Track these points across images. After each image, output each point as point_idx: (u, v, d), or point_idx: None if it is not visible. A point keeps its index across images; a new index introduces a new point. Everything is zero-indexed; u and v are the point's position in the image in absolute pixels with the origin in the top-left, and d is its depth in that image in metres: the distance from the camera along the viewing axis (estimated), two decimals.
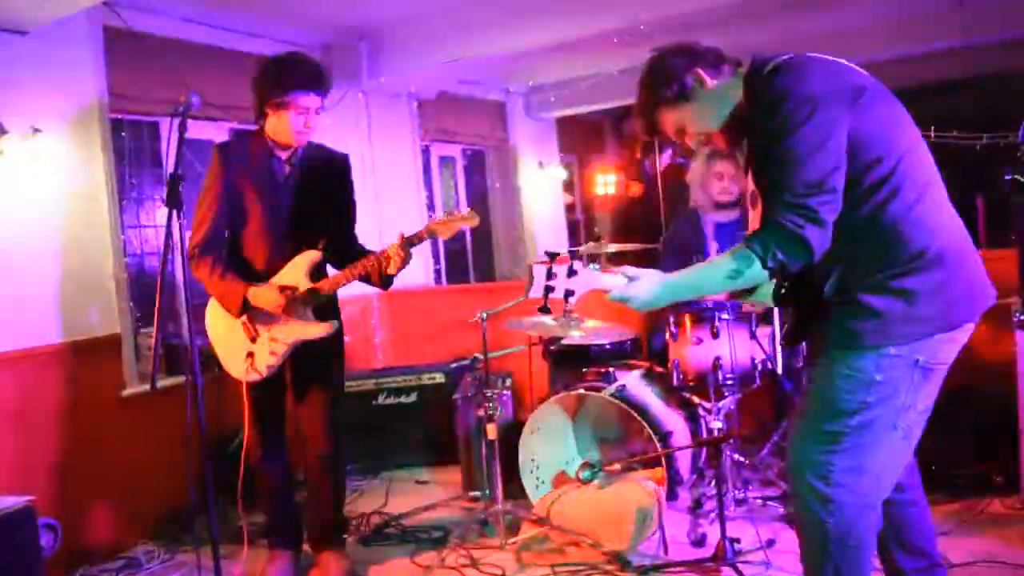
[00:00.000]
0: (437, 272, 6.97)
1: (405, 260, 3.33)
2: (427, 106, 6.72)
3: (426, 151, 6.98)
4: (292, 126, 3.34)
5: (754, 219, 2.28)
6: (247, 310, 3.37)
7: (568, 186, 9.26)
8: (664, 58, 2.34)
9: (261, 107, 3.36)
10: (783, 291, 2.33)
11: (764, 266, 2.06)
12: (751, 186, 2.30)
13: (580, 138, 9.47)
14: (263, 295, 3.34)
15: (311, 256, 3.40)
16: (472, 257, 7.80)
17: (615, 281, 2.18)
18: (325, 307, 3.49)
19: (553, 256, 2.25)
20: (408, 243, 3.31)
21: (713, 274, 2.16)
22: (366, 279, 3.43)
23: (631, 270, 2.19)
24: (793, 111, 2.07)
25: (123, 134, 4.59)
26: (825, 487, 2.18)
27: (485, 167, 8.01)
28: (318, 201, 3.49)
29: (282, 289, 3.33)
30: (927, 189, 2.18)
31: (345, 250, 3.53)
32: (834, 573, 2.23)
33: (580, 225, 9.55)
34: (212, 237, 3.41)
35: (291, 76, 3.29)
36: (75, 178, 4.17)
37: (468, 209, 3.43)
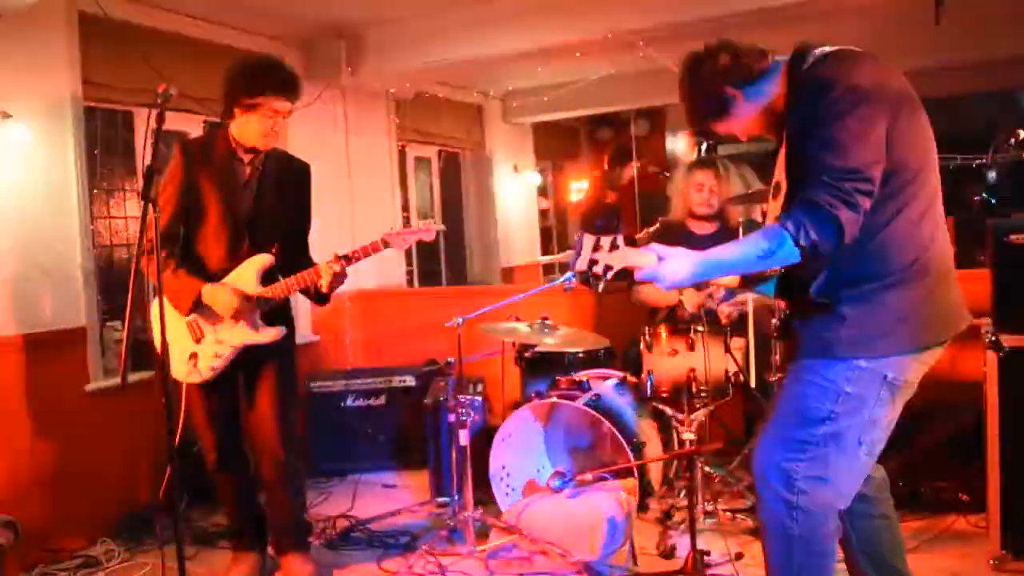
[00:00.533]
0: (409, 274, 6.92)
1: (338, 277, 3.33)
2: (405, 106, 6.68)
3: (402, 151, 6.93)
4: (260, 129, 3.29)
5: (774, 209, 2.29)
6: (196, 309, 3.32)
7: (543, 192, 9.26)
8: (695, 76, 2.34)
9: (230, 106, 3.30)
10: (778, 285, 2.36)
11: (796, 244, 2.04)
12: (776, 177, 2.31)
13: (556, 144, 9.48)
14: (219, 296, 3.30)
15: (263, 260, 3.38)
16: (445, 260, 7.76)
17: (647, 260, 2.17)
18: (276, 311, 3.45)
19: (599, 230, 2.25)
20: (345, 261, 3.31)
21: (746, 253, 2.13)
22: (305, 292, 3.43)
23: (661, 248, 2.18)
24: (840, 98, 2.07)
25: (96, 123, 4.50)
26: (789, 493, 2.21)
27: (460, 170, 7.98)
28: (277, 206, 3.45)
29: (237, 293, 3.30)
30: (932, 206, 2.21)
31: (295, 258, 3.49)
32: None
33: (553, 231, 9.55)
34: (168, 232, 3.35)
35: (265, 79, 3.24)
36: (44, 166, 4.08)
37: (427, 220, 3.44)
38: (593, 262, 2.20)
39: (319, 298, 3.46)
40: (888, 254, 2.14)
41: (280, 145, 5.27)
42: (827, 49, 2.22)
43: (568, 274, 3.81)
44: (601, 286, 2.23)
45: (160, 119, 2.69)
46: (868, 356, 2.16)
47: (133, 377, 4.37)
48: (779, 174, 2.28)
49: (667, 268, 2.16)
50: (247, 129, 3.31)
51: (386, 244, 3.37)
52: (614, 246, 2.20)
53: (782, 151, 2.27)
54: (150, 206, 2.63)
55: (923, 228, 2.17)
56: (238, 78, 3.27)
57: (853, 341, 2.15)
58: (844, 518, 2.32)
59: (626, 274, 2.20)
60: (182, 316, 3.34)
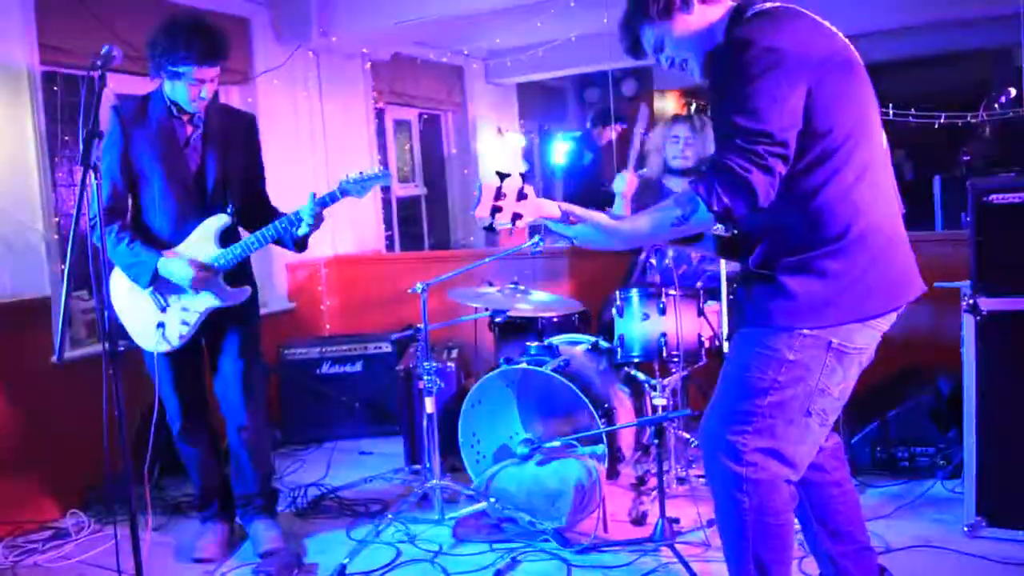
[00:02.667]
0: (389, 238, 6.82)
1: (317, 221, 3.25)
2: (381, 68, 6.53)
3: (380, 114, 6.80)
4: (188, 95, 3.19)
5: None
6: (156, 281, 3.24)
7: (527, 154, 9.13)
8: None
9: (156, 71, 3.20)
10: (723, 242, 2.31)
11: (709, 209, 2.00)
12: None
13: (541, 105, 9.33)
14: (176, 268, 3.22)
15: (220, 220, 3.31)
16: (427, 224, 7.67)
17: (555, 212, 2.15)
18: (238, 272, 3.38)
19: (503, 176, 2.15)
20: (320, 203, 3.24)
21: (660, 220, 2.10)
22: (279, 242, 3.35)
23: (576, 208, 2.14)
24: (755, 59, 1.99)
25: (55, 88, 4.38)
26: (737, 466, 2.15)
27: (442, 132, 7.85)
28: (224, 162, 3.36)
29: (194, 264, 3.23)
30: (867, 172, 2.11)
31: (256, 212, 3.42)
32: (753, 555, 2.20)
33: (539, 192, 9.43)
34: (114, 204, 3.26)
35: (184, 49, 3.10)
36: (2, 134, 3.97)
37: (379, 166, 3.36)
38: (497, 208, 2.13)
39: (297, 244, 3.37)
40: (822, 222, 2.07)
41: (250, 109, 5.22)
42: (762, 6, 2.12)
43: (536, 238, 3.75)
44: (511, 230, 2.17)
45: (101, 82, 2.60)
46: (811, 325, 2.10)
47: (99, 348, 4.30)
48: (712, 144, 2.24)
49: (580, 233, 2.14)
50: (176, 94, 3.21)
51: (344, 192, 3.29)
52: (521, 196, 2.13)
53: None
54: (91, 173, 2.54)
55: (857, 195, 2.09)
56: (160, 45, 3.13)
57: (794, 310, 2.10)
58: (798, 488, 2.26)
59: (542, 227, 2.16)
60: (142, 289, 3.26)
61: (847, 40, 2.17)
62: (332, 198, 3.28)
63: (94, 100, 2.57)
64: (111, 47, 2.61)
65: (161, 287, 3.29)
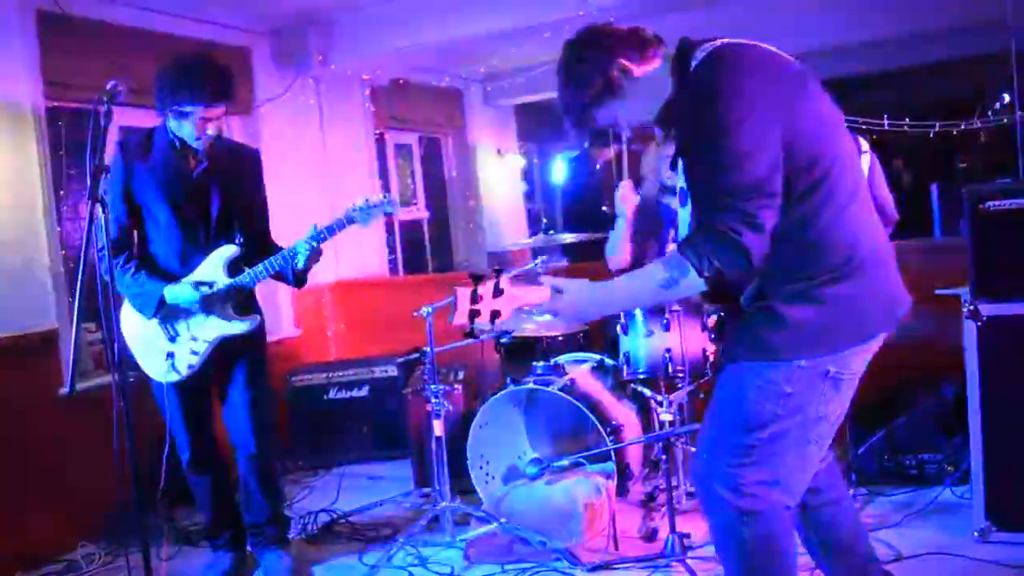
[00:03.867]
0: (393, 262, 6.86)
1: (316, 254, 3.28)
2: (381, 93, 6.59)
3: (381, 139, 6.86)
4: (194, 133, 3.22)
5: (683, 217, 2.16)
6: (162, 310, 3.28)
7: (527, 174, 9.18)
8: (580, 53, 2.15)
9: (162, 111, 3.23)
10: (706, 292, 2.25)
11: (700, 275, 1.94)
12: (679, 182, 2.14)
13: (540, 125, 9.38)
14: (181, 291, 3.26)
15: (228, 251, 3.33)
16: (430, 246, 7.70)
17: (539, 295, 2.06)
18: (245, 303, 3.41)
19: (477, 279, 2.10)
20: (325, 233, 3.27)
21: (646, 284, 2.04)
22: (279, 277, 3.38)
23: (559, 281, 2.07)
24: (729, 109, 1.93)
25: (60, 123, 4.44)
26: (738, 499, 2.10)
27: (442, 155, 7.90)
28: (229, 197, 3.39)
29: (198, 285, 3.26)
30: (855, 194, 2.09)
31: (258, 246, 3.45)
32: None
33: (540, 213, 9.48)
34: (119, 236, 3.30)
35: (190, 89, 3.13)
36: (8, 168, 4.03)
37: (383, 194, 3.36)
38: (475, 312, 2.07)
39: (296, 280, 3.40)
40: (822, 250, 2.03)
41: (252, 138, 5.28)
42: (711, 46, 2.05)
43: (541, 258, 3.78)
44: (495, 333, 2.12)
45: (107, 116, 2.64)
46: (808, 356, 2.05)
47: (109, 379, 4.33)
48: (682, 180, 2.13)
49: (563, 304, 2.05)
50: (182, 132, 3.25)
51: (350, 221, 3.31)
52: (497, 291, 2.06)
53: (679, 155, 2.14)
54: (98, 206, 2.58)
55: (851, 217, 2.06)
56: (167, 85, 3.17)
57: (793, 342, 2.05)
58: (797, 511, 2.24)
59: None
60: (147, 319, 3.29)
61: (790, 57, 2.12)
62: (339, 225, 3.30)
63: (100, 134, 2.61)
64: (116, 82, 2.65)
65: (171, 318, 3.32)
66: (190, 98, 3.13)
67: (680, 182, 2.13)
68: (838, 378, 2.09)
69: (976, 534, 3.23)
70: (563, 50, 2.19)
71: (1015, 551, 3.12)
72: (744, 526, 2.11)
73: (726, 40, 2.07)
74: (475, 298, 2.07)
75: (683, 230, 2.13)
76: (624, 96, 2.12)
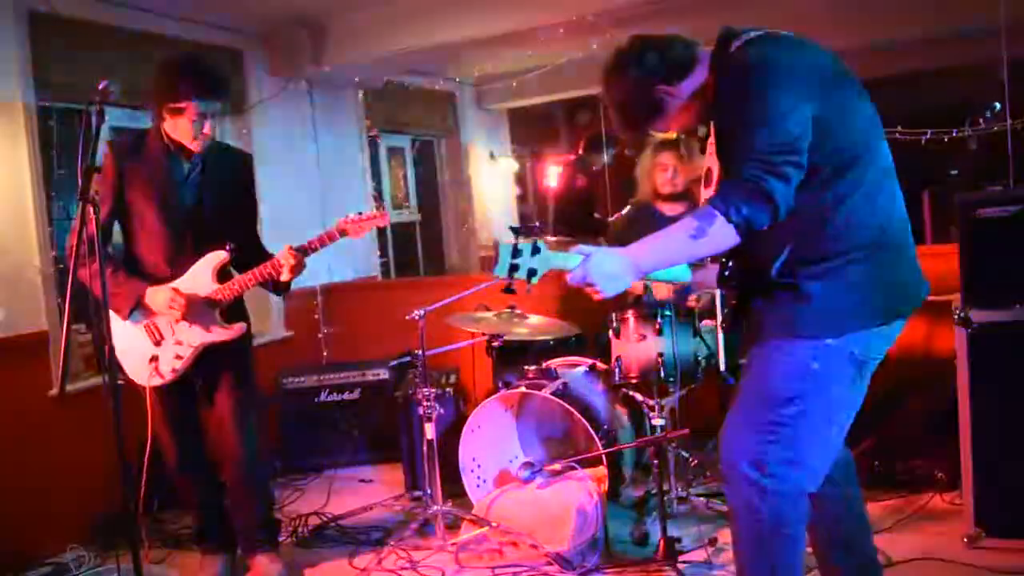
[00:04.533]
0: (384, 265, 6.85)
1: (297, 267, 3.28)
2: (374, 95, 6.59)
3: (374, 141, 6.85)
4: (189, 132, 3.22)
5: (706, 196, 2.21)
6: (137, 311, 3.27)
7: (520, 178, 9.18)
8: (621, 82, 2.24)
9: (157, 109, 3.23)
10: (726, 272, 2.29)
11: (728, 220, 1.98)
12: (706, 163, 2.24)
13: (532, 129, 9.40)
14: (157, 298, 3.25)
15: (217, 257, 3.32)
16: (422, 249, 7.70)
17: (572, 261, 2.08)
18: (233, 309, 3.40)
19: (518, 232, 2.13)
20: (301, 251, 3.27)
21: (677, 236, 2.05)
22: (264, 285, 3.37)
23: (586, 248, 2.09)
24: (763, 77, 2.03)
25: (51, 123, 4.41)
26: (760, 476, 2.15)
27: (435, 158, 7.90)
28: (220, 201, 3.39)
29: (173, 291, 3.25)
30: (886, 181, 2.16)
31: (247, 252, 3.44)
32: (769, 566, 2.21)
33: (532, 217, 9.49)
34: (101, 235, 3.28)
35: (188, 84, 3.14)
36: None
37: (378, 206, 3.39)
38: (514, 267, 2.09)
39: (277, 289, 3.42)
40: (848, 232, 2.10)
41: (244, 140, 5.26)
42: (752, 33, 2.16)
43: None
44: (528, 289, 2.15)
45: (99, 117, 2.63)
46: (835, 334, 2.11)
47: (98, 381, 4.31)
48: (709, 160, 2.22)
49: (599, 269, 2.05)
50: (176, 131, 3.24)
51: (343, 233, 3.31)
52: (535, 250, 2.10)
53: (711, 138, 2.22)
54: (89, 207, 2.57)
55: (880, 203, 2.13)
56: (162, 82, 3.18)
57: (819, 319, 2.11)
58: (812, 501, 2.27)
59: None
60: (122, 320, 3.27)
61: (835, 54, 2.20)
62: (331, 238, 3.30)
63: (92, 135, 2.60)
64: (108, 82, 2.64)
65: (157, 320, 3.31)
66: (186, 94, 3.13)
67: (707, 162, 2.22)
68: (861, 360, 2.15)
69: (966, 540, 3.24)
70: (604, 76, 2.28)
71: (1005, 557, 3.13)
72: (763, 504, 2.16)
73: (765, 29, 2.17)
74: (515, 253, 2.09)
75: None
76: (673, 110, 2.23)
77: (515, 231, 2.12)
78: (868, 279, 2.10)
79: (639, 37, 2.25)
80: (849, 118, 2.12)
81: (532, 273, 2.10)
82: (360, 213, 3.36)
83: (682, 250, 2.06)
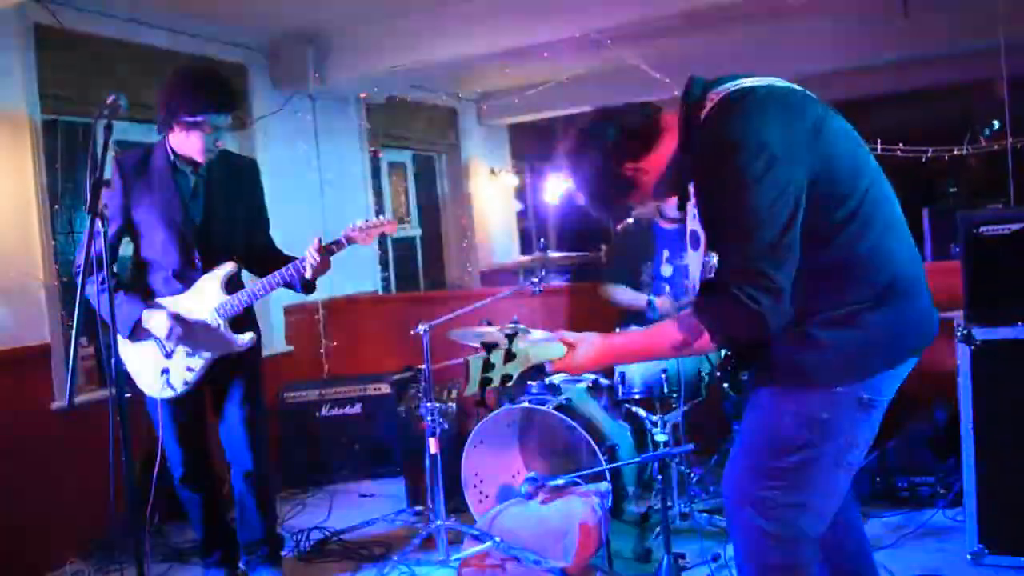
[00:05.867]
0: (386, 280, 6.86)
1: (323, 266, 3.30)
2: (376, 110, 6.62)
3: (375, 156, 6.87)
4: (201, 145, 3.23)
5: (694, 260, 2.10)
6: (137, 333, 3.28)
7: (520, 193, 9.21)
8: (585, 165, 2.13)
9: (168, 122, 3.23)
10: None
11: (713, 338, 1.94)
12: (689, 226, 2.10)
13: (533, 145, 9.43)
14: (154, 321, 3.26)
15: (226, 268, 3.34)
16: (423, 265, 7.71)
17: (553, 352, 2.09)
18: (242, 319, 3.40)
19: (490, 348, 2.10)
20: (326, 251, 3.28)
21: (659, 344, 2.05)
22: (289, 286, 3.38)
23: (570, 336, 2.09)
24: (748, 162, 1.88)
25: (56, 137, 4.43)
26: (766, 523, 2.09)
27: (436, 173, 7.93)
28: (228, 212, 3.40)
29: (171, 317, 3.26)
30: (892, 219, 2.07)
31: (262, 257, 3.46)
32: None
33: (532, 233, 9.50)
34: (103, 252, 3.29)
35: (204, 98, 3.15)
36: (2, 181, 4.01)
37: (385, 216, 3.40)
38: (486, 381, 2.08)
39: (306, 287, 3.41)
40: (863, 277, 2.00)
41: (247, 155, 5.27)
42: (727, 90, 2.00)
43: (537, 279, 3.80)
44: (506, 392, 2.15)
45: (108, 131, 2.63)
46: (846, 383, 2.03)
47: (101, 394, 4.32)
48: (693, 223, 2.07)
49: (577, 359, 2.07)
50: (188, 145, 3.25)
51: (350, 240, 3.32)
52: (510, 356, 2.08)
53: (691, 202, 2.08)
54: (99, 220, 2.58)
55: (890, 241, 2.03)
56: (177, 96, 3.17)
57: (831, 368, 2.02)
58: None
59: (538, 370, 2.14)
60: (123, 340, 3.28)
61: (805, 90, 2.09)
62: (338, 245, 3.31)
63: (101, 148, 2.60)
64: (117, 95, 2.64)
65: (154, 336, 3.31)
66: (204, 108, 3.14)
67: (691, 225, 2.08)
68: (871, 403, 2.07)
69: (969, 557, 3.24)
70: (566, 159, 2.18)
71: (1007, 574, 3.14)
72: (769, 550, 2.10)
73: (738, 84, 2.02)
74: (487, 367, 2.08)
75: (693, 273, 2.09)
76: (645, 184, 2.13)
77: (486, 346, 2.09)
78: (882, 325, 2.01)
79: (598, 112, 2.14)
80: (843, 166, 2.00)
81: (507, 378, 2.09)
82: (367, 220, 3.36)
83: (663, 354, 2.07)
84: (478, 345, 4.01)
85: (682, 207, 2.15)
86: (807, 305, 2.00)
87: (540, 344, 2.12)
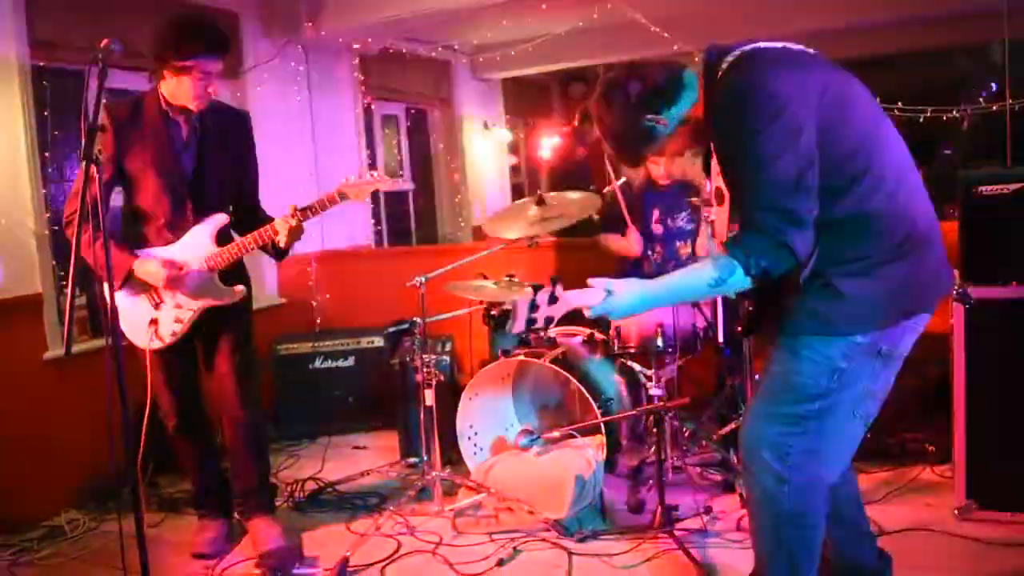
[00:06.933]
0: (378, 233, 6.83)
1: (295, 231, 3.26)
2: (370, 62, 6.54)
3: (368, 109, 6.80)
4: (193, 91, 3.18)
5: (720, 215, 2.23)
6: (130, 281, 3.26)
7: (514, 148, 9.16)
8: (614, 113, 2.21)
9: (160, 68, 3.18)
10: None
11: (747, 273, 2.01)
12: (714, 183, 2.22)
13: (526, 100, 9.36)
14: (150, 268, 3.23)
15: (218, 221, 3.31)
16: (415, 218, 7.68)
17: (593, 298, 2.13)
18: (233, 272, 3.38)
19: (537, 288, 2.15)
20: (303, 215, 3.25)
21: (695, 282, 2.10)
22: (263, 248, 3.36)
23: (609, 283, 2.13)
24: (759, 110, 1.99)
25: (46, 84, 4.35)
26: (782, 467, 2.18)
27: (429, 127, 7.86)
28: (220, 163, 3.37)
29: (167, 264, 3.23)
30: (905, 174, 2.14)
31: (247, 215, 3.43)
32: (787, 554, 2.24)
33: (525, 188, 9.48)
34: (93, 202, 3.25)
35: (194, 41, 3.10)
36: None
37: (378, 172, 3.37)
38: (532, 321, 2.13)
39: (277, 253, 3.40)
40: (879, 232, 2.08)
41: (239, 104, 5.21)
42: (740, 51, 2.12)
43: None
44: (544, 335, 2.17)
45: (103, 75, 2.59)
46: (865, 332, 2.11)
47: (93, 344, 4.30)
48: (718, 180, 2.21)
49: (615, 303, 2.11)
50: (180, 91, 3.20)
51: (343, 196, 3.29)
52: (552, 300, 2.13)
53: (714, 159, 2.19)
54: (93, 166, 2.54)
55: (904, 196, 2.11)
56: (167, 40, 3.12)
57: (852, 317, 2.11)
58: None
59: (574, 315, 2.15)
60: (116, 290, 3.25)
61: (815, 52, 2.18)
62: (331, 201, 3.28)
63: (96, 93, 2.56)
64: (113, 40, 2.59)
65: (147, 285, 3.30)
66: (193, 51, 3.09)
67: (715, 182, 2.20)
68: (889, 355, 2.16)
69: (957, 512, 3.29)
70: (594, 106, 2.26)
71: (994, 529, 3.19)
72: (783, 494, 2.19)
73: (752, 44, 2.14)
74: (533, 307, 2.13)
75: (720, 228, 2.17)
76: (663, 137, 2.21)
77: (534, 288, 2.14)
78: (900, 277, 2.10)
79: (626, 66, 2.22)
80: (852, 123, 2.09)
81: (550, 320, 2.14)
82: (359, 176, 3.35)
83: (698, 295, 2.17)
84: (476, 299, 4.03)
85: (706, 167, 2.28)
86: (828, 257, 2.10)
87: (581, 291, 2.17)
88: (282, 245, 3.30)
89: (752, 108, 2.00)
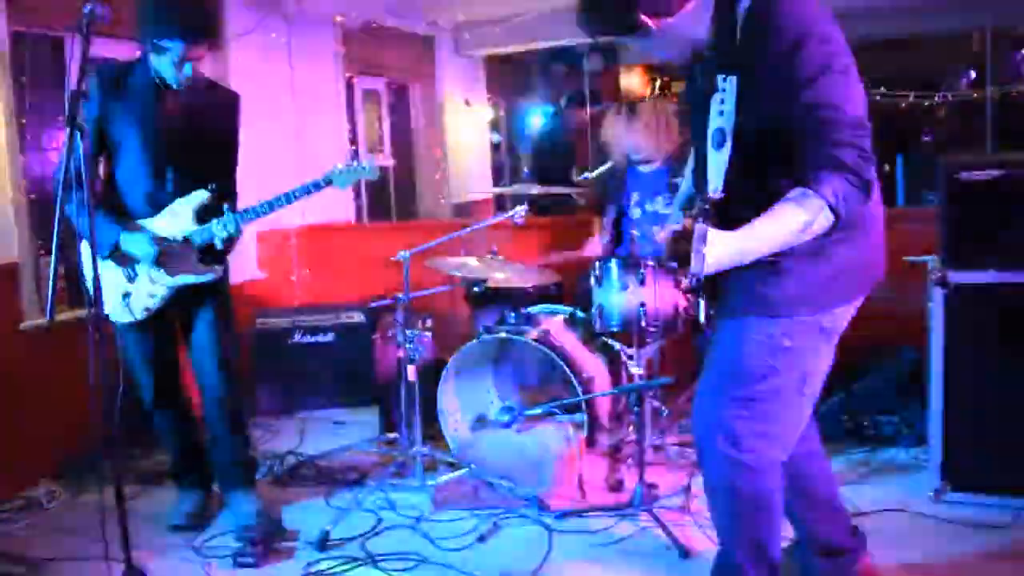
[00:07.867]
0: (358, 208, 6.79)
1: (231, 237, 3.25)
2: (352, 36, 6.47)
3: (350, 83, 6.74)
4: (172, 72, 3.12)
5: (719, 160, 2.01)
6: (116, 253, 3.22)
7: (495, 126, 9.13)
8: (613, 10, 2.10)
9: (142, 45, 3.13)
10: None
11: (832, 212, 1.91)
12: (715, 123, 2.02)
13: (508, 78, 9.32)
14: (138, 244, 3.20)
15: (199, 197, 3.26)
16: (394, 194, 7.64)
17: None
18: (212, 248, 3.33)
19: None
20: (303, 190, 3.25)
21: (786, 229, 1.94)
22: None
23: (705, 230, 1.95)
24: (816, 52, 1.94)
25: (23, 50, 4.27)
26: (735, 451, 2.17)
27: (410, 103, 7.81)
28: (204, 139, 3.31)
29: (158, 241, 3.20)
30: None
31: (226, 193, 3.38)
32: (751, 536, 2.25)
33: (505, 167, 9.45)
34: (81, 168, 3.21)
35: (172, 25, 3.02)
36: None
37: (371, 160, 3.34)
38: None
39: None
40: None
41: (220, 74, 5.14)
42: None
43: (520, 208, 3.80)
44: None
45: (86, 41, 2.54)
46: (810, 312, 2.11)
47: (72, 314, 4.25)
48: (719, 120, 2.01)
49: (712, 254, 1.92)
50: (161, 67, 3.14)
51: (327, 182, 3.29)
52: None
53: (717, 95, 2.02)
54: (77, 133, 2.50)
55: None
56: (145, 18, 3.06)
57: (795, 297, 2.10)
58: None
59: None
60: (102, 259, 3.21)
61: None
62: (316, 186, 3.26)
63: (80, 61, 2.52)
64: (96, 4, 2.54)
65: (132, 258, 3.26)
66: (171, 36, 3.02)
67: (716, 123, 2.02)
68: (830, 332, 2.17)
69: (931, 493, 3.35)
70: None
71: (967, 510, 3.25)
72: (738, 477, 2.19)
73: None
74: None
75: (714, 175, 2.01)
76: (651, 37, 2.10)
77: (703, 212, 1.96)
78: (845, 258, 2.09)
79: None
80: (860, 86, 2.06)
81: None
82: (347, 164, 3.33)
83: (788, 241, 1.95)
84: (459, 275, 4.03)
85: (694, 129, 2.17)
86: None
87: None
88: (219, 246, 3.27)
89: (810, 52, 1.94)
